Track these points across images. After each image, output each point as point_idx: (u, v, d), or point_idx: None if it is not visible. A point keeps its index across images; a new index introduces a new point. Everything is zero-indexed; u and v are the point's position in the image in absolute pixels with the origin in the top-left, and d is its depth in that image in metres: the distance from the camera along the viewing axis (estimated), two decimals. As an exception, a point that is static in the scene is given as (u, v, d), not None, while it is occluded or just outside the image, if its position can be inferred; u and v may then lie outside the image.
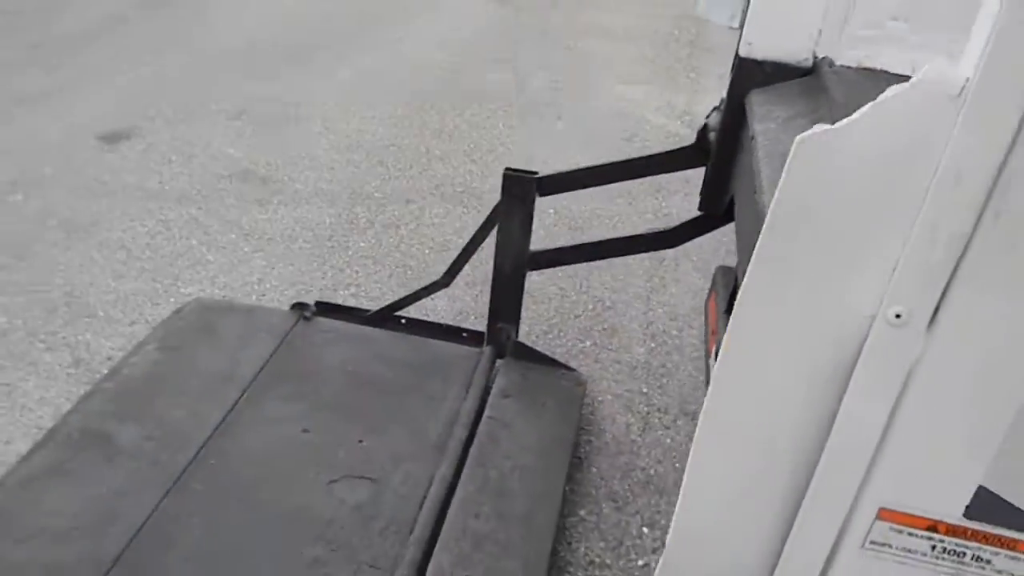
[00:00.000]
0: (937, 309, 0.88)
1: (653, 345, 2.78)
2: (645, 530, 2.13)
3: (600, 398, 2.53)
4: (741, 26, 1.84)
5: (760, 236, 0.90)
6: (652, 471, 2.30)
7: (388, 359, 2.37)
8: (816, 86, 1.79)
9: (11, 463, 2.02)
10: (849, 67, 1.80)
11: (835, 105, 1.66)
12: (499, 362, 2.41)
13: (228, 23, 5.39)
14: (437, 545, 1.85)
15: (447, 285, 2.40)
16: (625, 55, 5.45)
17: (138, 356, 2.32)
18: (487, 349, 2.40)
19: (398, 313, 2.50)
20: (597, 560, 2.03)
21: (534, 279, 2.98)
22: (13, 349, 2.50)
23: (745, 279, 0.92)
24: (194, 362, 2.30)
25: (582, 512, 2.16)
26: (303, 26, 5.47)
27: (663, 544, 2.05)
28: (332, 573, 1.78)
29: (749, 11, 1.80)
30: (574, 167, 2.29)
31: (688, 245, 3.12)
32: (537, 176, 2.17)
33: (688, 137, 4.22)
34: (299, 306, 2.50)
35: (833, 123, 0.86)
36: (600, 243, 2.44)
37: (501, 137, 4.14)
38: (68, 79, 4.30)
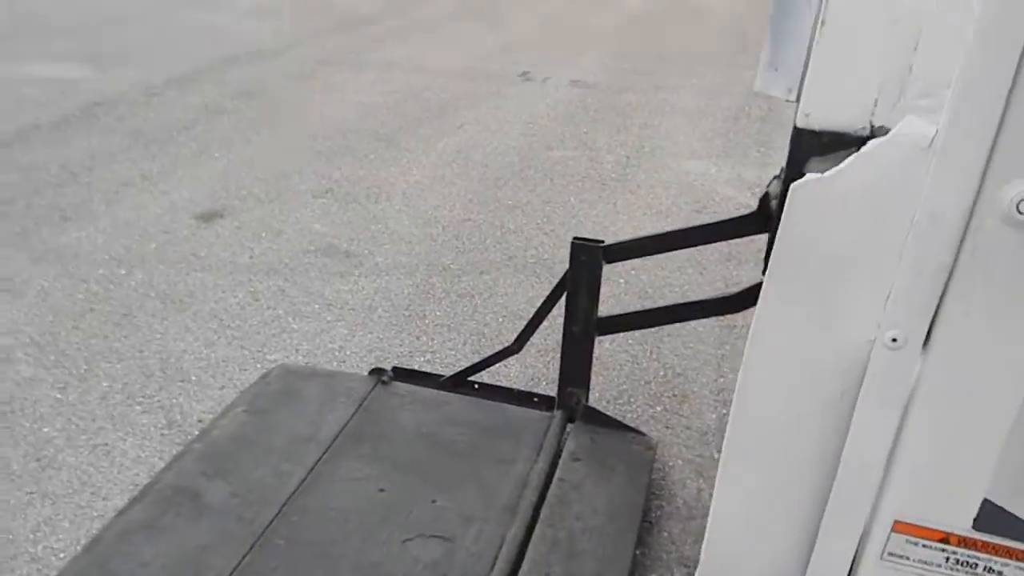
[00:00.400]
0: (930, 332, 0.95)
1: (724, 411, 2.79)
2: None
3: (671, 463, 2.54)
4: (798, 99, 1.91)
5: (767, 275, 0.98)
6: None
7: (461, 422, 2.45)
8: None
9: (108, 517, 2.16)
10: None
11: None
12: (569, 426, 2.46)
13: (314, 111, 5.71)
14: (508, 604, 1.89)
15: (518, 351, 2.48)
16: (696, 131, 5.56)
17: (227, 418, 2.45)
18: (558, 413, 2.45)
19: (471, 379, 2.58)
20: (668, 624, 2.03)
21: (605, 346, 3.04)
22: (113, 412, 2.67)
23: (756, 313, 1.00)
24: (278, 424, 2.41)
25: (653, 576, 2.17)
26: (385, 111, 5.75)
27: (734, 609, 2.04)
28: (406, 628, 1.83)
29: (805, 84, 1.87)
30: (639, 235, 2.37)
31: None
32: (603, 244, 2.25)
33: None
34: (377, 371, 2.61)
35: None
36: (666, 308, 2.50)
37: (573, 211, 4.26)
38: (167, 164, 4.62)
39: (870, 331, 0.97)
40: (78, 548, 2.08)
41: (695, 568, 2.18)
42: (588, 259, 2.24)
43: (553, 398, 2.51)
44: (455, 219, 4.12)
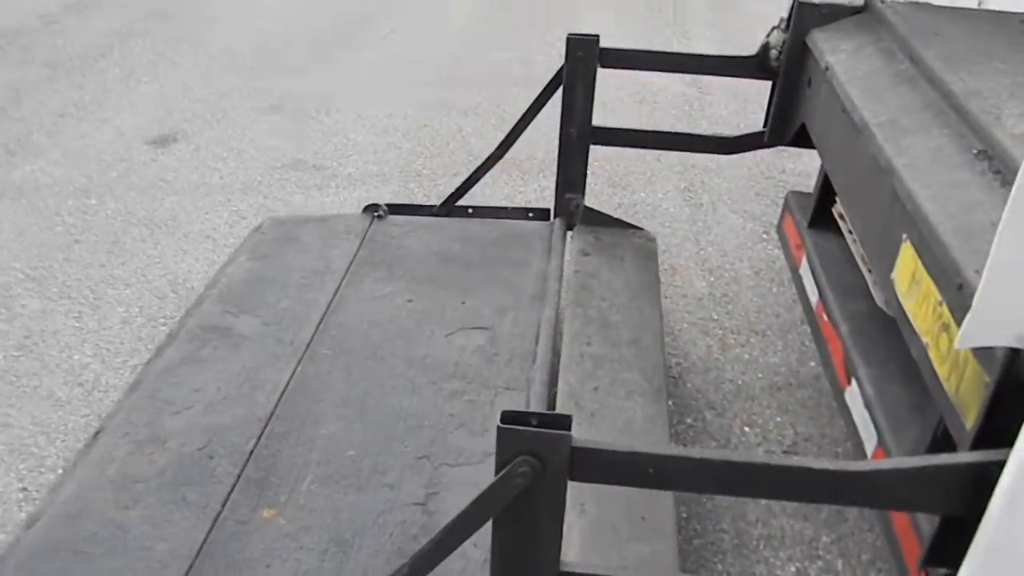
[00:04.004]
0: None
1: (712, 279, 2.98)
2: (747, 429, 2.33)
3: (678, 327, 2.71)
4: None
5: None
6: (740, 381, 2.50)
7: (467, 239, 2.52)
8: (873, 20, 2.03)
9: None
10: (900, 1, 2.05)
11: (897, 35, 1.87)
12: (570, 233, 2.55)
13: (232, 27, 5.47)
14: (560, 369, 1.98)
15: (501, 156, 2.54)
16: (625, 27, 5.62)
17: (233, 266, 2.42)
18: (557, 220, 2.54)
19: (466, 204, 2.65)
20: (711, 457, 2.21)
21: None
22: (139, 334, 2.63)
23: None
24: (286, 264, 2.41)
25: (689, 420, 2.33)
26: (305, 23, 5.59)
27: (765, 439, 2.23)
28: (474, 399, 1.91)
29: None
30: (638, 48, 2.55)
31: (720, 193, 3.44)
32: (599, 42, 2.29)
33: (692, 96, 4.38)
34: (371, 207, 2.63)
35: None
36: (666, 133, 2.60)
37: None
38: (96, 92, 4.39)
39: None
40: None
41: (722, 410, 2.36)
42: (584, 55, 2.29)
43: (547, 210, 2.60)
44: (412, 127, 4.11)
